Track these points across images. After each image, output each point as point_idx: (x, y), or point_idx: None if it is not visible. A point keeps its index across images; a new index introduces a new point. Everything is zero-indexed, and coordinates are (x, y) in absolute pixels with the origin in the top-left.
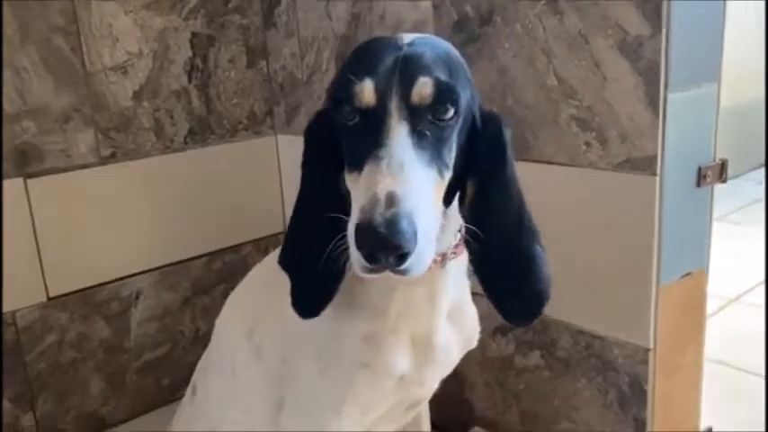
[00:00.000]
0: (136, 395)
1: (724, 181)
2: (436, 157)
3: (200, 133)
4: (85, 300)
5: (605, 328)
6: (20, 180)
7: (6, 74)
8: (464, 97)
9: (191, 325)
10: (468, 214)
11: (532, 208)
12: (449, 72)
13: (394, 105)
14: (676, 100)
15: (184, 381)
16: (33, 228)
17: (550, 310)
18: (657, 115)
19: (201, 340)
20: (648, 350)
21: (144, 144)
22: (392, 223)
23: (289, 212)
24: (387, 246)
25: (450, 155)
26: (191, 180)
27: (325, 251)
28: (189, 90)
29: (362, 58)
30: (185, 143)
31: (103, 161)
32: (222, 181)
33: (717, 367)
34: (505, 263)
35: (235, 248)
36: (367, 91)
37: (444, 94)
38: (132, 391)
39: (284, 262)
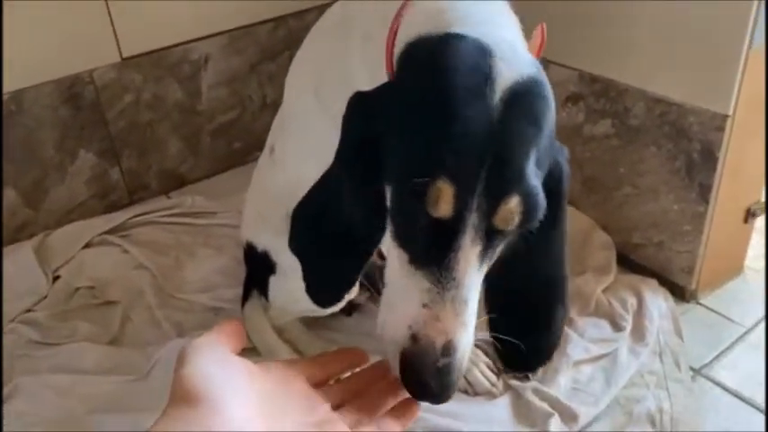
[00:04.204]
0: (211, 156)
1: None
2: (493, 256)
3: None
4: (157, 61)
5: (684, 95)
6: None
7: None
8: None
9: (258, 91)
10: (501, 266)
11: None
12: (538, 157)
13: (471, 224)
14: None
15: (255, 145)
16: None
17: (628, 77)
18: None
19: (269, 107)
20: (726, 117)
21: None
22: (444, 376)
23: None
24: (432, 395)
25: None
26: None
27: (351, 251)
28: None
29: (439, 125)
30: None
31: None
32: None
33: None
34: (520, 317)
35: (300, 14)
36: (443, 202)
37: (531, 215)
38: (207, 151)
39: (296, 248)
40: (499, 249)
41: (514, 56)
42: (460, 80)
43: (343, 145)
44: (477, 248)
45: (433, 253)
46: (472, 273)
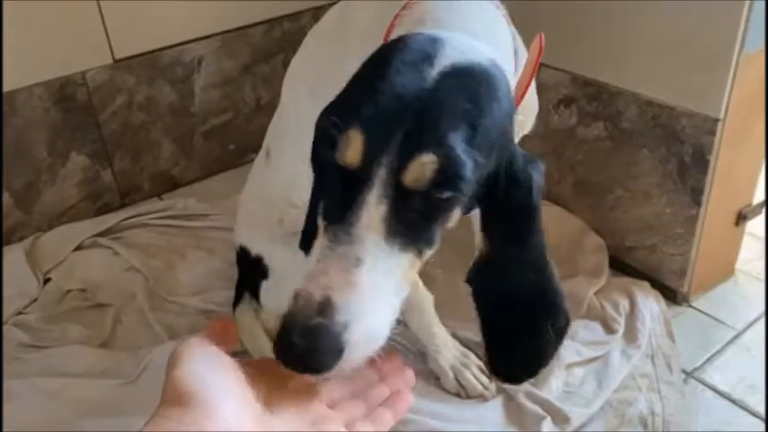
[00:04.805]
0: (204, 158)
1: None
2: (417, 238)
3: None
4: (150, 63)
5: (676, 98)
6: None
7: None
8: (480, 170)
9: (252, 93)
10: (473, 273)
11: None
12: (472, 135)
13: (378, 179)
14: None
15: (248, 148)
16: None
17: (621, 80)
18: None
19: (263, 109)
20: (718, 120)
21: None
22: (312, 336)
23: None
24: (297, 357)
25: (441, 229)
26: None
27: None
28: None
29: (368, 86)
30: None
31: None
32: None
33: None
34: (507, 333)
35: (294, 16)
36: (352, 150)
37: (448, 179)
38: (200, 154)
39: (303, 247)
40: (426, 228)
41: (469, 48)
42: (400, 56)
43: (313, 143)
44: (383, 207)
45: (339, 210)
46: (374, 234)
